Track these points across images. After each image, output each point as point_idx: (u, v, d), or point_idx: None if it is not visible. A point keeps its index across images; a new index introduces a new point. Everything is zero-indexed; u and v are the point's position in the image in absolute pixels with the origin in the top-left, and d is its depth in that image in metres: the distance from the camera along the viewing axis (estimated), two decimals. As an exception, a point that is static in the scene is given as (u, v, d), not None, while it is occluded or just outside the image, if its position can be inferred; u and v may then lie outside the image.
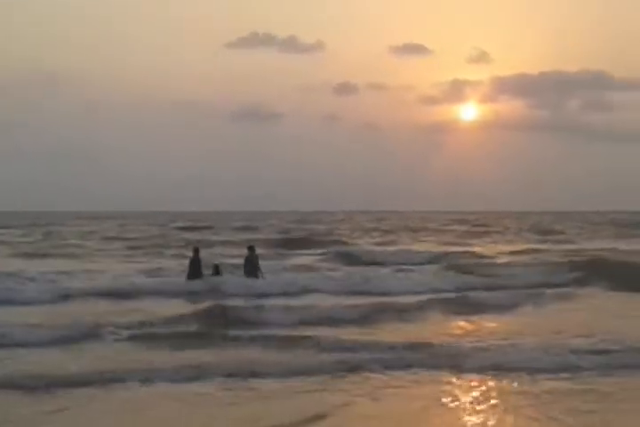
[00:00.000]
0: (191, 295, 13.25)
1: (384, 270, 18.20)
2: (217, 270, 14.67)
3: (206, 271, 14.55)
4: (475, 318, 10.54)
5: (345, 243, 32.62)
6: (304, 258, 23.34)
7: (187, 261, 15.14)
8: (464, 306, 11.54)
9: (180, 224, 60.18)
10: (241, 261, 15.18)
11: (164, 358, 7.44)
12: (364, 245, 32.93)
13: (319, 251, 26.09)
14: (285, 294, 13.56)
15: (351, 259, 22.56)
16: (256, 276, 14.20)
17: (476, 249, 27.84)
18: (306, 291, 14.13)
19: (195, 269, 14.31)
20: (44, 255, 25.10)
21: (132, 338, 8.63)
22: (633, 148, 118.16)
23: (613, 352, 7.28)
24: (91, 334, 8.66)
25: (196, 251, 14.58)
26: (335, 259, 22.85)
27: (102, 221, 72.13)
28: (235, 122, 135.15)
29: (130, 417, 5.27)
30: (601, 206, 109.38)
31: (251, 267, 14.23)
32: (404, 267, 19.00)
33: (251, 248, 14.66)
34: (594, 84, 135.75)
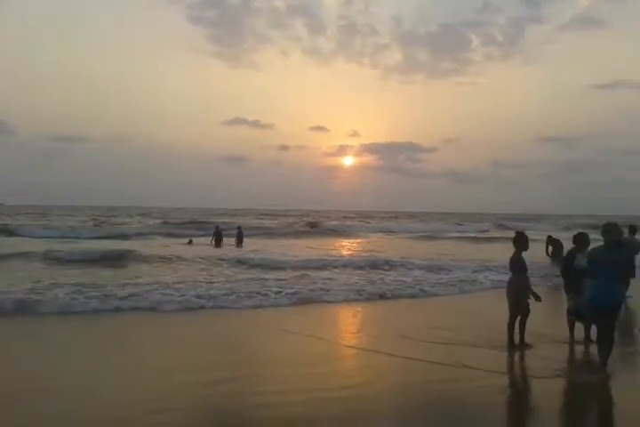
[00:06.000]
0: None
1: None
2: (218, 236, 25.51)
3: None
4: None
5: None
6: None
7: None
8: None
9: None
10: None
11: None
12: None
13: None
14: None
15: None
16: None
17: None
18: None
19: (217, 237, 26.05)
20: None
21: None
22: (426, 181, 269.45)
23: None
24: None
25: (217, 227, 26.59)
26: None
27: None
28: (222, 164, 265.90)
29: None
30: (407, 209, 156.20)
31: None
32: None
33: (239, 227, 26.93)
34: (409, 148, 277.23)
